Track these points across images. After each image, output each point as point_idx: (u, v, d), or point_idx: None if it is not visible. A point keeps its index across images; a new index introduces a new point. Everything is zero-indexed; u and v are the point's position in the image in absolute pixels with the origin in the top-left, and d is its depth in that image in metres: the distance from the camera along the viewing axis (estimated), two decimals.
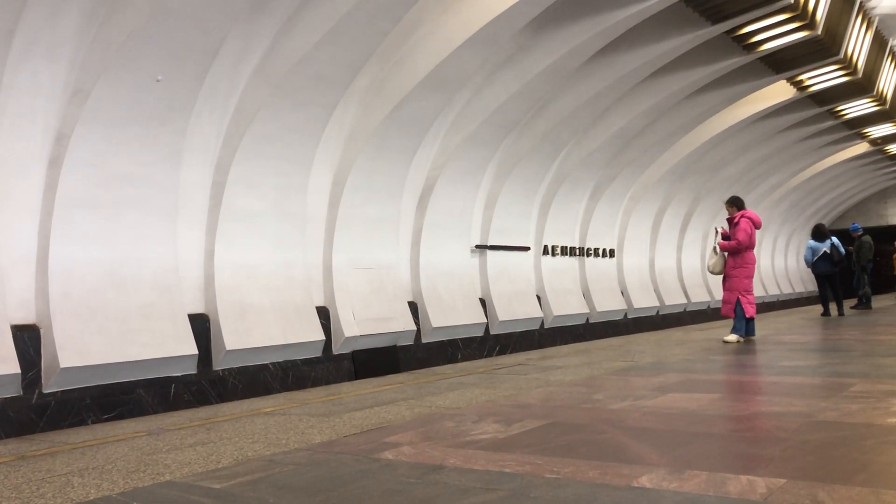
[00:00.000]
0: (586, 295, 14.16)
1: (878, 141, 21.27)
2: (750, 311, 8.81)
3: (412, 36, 8.62)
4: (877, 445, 3.23)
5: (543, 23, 9.46)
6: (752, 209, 9.15)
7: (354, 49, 7.55)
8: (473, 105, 10.15)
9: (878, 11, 14.56)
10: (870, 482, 2.64)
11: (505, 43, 9.09)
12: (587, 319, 13.95)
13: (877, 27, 15.14)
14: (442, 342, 10.31)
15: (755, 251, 9.11)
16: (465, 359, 10.32)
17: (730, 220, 9.05)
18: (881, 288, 24.34)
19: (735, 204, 9.14)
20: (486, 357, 10.49)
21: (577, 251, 14.20)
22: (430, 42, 8.57)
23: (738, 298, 8.81)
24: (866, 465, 2.90)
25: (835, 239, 13.69)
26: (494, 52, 9.11)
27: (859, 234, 15.52)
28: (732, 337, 8.91)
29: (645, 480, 2.79)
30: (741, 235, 8.70)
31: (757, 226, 8.89)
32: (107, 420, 6.14)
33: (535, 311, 12.35)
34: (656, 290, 16.89)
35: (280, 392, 7.35)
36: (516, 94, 9.96)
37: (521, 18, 8.46)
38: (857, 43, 14.26)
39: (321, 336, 8.26)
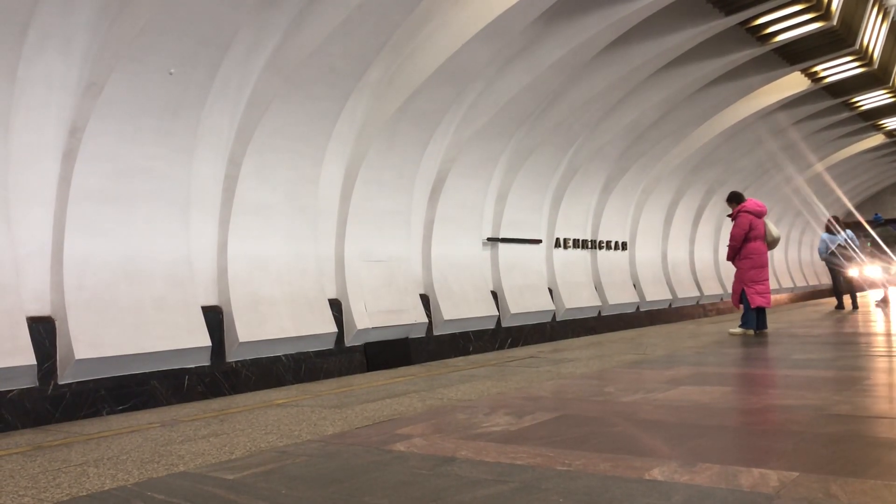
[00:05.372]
0: (598, 288, 14.13)
1: (894, 133, 21.08)
2: (757, 300, 8.73)
3: (424, 28, 8.61)
4: (890, 439, 3.22)
5: (555, 15, 9.42)
6: (756, 200, 9.06)
7: (366, 42, 7.55)
8: (485, 98, 10.12)
9: (894, 2, 14.40)
10: (883, 475, 2.63)
11: (516, 35, 9.06)
12: (599, 312, 13.92)
13: (893, 18, 14.97)
14: (453, 335, 10.32)
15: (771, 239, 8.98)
16: (476, 351, 10.33)
17: (731, 217, 9.04)
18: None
19: (733, 199, 9.10)
20: (497, 349, 10.49)
21: (589, 244, 14.17)
22: (441, 34, 8.55)
23: (743, 289, 8.80)
24: (879, 458, 2.89)
25: (849, 232, 13.61)
26: (506, 44, 9.07)
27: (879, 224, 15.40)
28: (739, 329, 8.87)
29: (657, 473, 2.79)
30: (734, 231, 8.87)
31: (758, 215, 8.84)
32: (121, 411, 6.19)
33: (546, 304, 12.34)
34: (669, 283, 16.82)
35: (293, 384, 7.39)
36: (528, 86, 9.92)
37: (533, 10, 8.43)
38: (873, 34, 14.12)
39: (333, 328, 8.29)
